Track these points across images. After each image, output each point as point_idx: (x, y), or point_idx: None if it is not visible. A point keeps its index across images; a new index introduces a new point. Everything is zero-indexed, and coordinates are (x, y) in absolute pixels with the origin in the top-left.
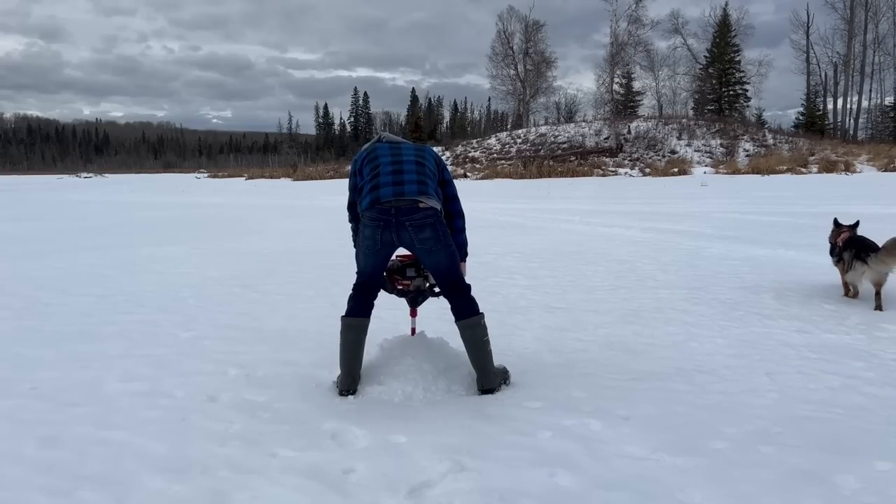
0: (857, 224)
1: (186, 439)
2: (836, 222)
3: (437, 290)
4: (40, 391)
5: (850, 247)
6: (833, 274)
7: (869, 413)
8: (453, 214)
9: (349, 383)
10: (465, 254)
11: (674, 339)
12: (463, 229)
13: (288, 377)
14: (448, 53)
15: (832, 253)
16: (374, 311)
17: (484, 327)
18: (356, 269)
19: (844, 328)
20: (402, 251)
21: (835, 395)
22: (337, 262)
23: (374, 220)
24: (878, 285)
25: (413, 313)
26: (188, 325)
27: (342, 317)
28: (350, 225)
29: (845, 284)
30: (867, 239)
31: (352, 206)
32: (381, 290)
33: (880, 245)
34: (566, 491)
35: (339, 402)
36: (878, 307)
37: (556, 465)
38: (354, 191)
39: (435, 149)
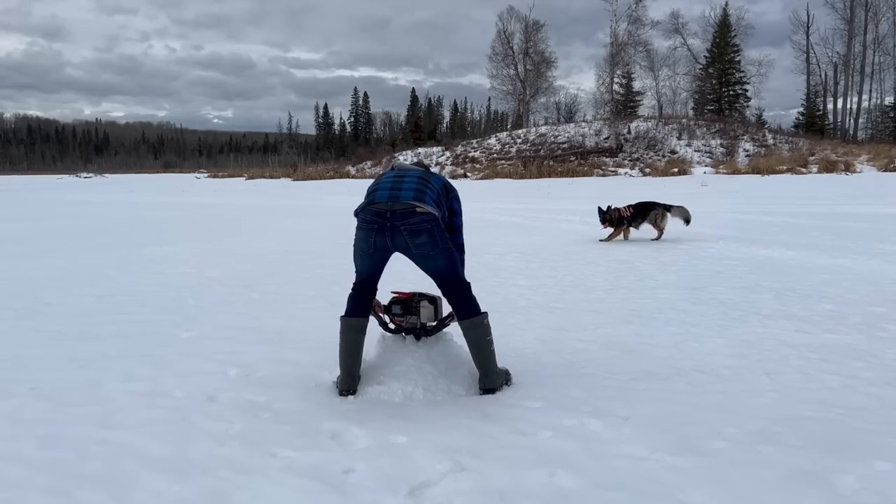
0: (609, 207)
1: (186, 439)
2: (599, 209)
3: (429, 326)
4: (40, 391)
5: (651, 209)
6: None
7: (869, 413)
8: (451, 227)
9: (349, 383)
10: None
11: (674, 339)
12: (460, 235)
13: (288, 377)
14: (451, 53)
15: (629, 222)
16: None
17: (487, 327)
18: (355, 269)
19: (844, 328)
20: (401, 256)
21: (835, 395)
22: (336, 262)
23: (367, 223)
24: (663, 229)
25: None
26: (188, 325)
27: (341, 317)
28: None
29: (625, 233)
30: (648, 202)
31: None
32: (379, 291)
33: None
34: (566, 491)
35: (339, 402)
36: (659, 238)
37: (556, 465)
38: None
39: (435, 149)
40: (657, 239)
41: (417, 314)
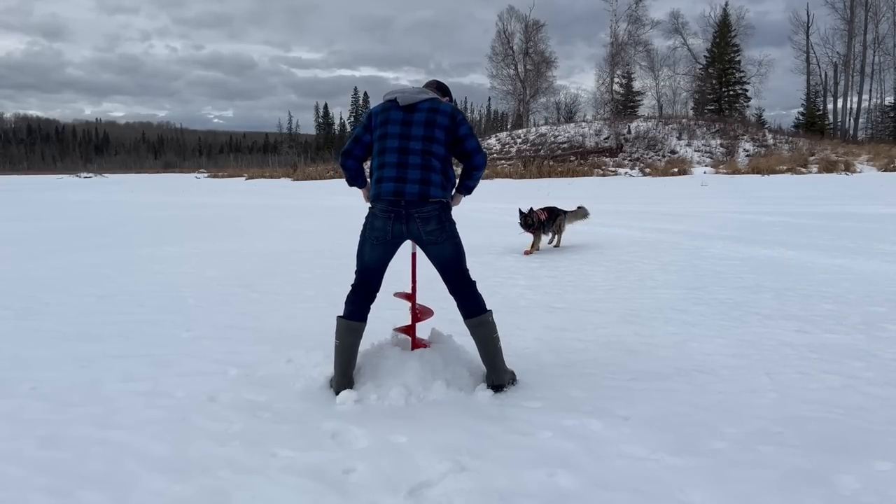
0: (531, 209)
1: (186, 439)
2: (520, 212)
3: None
4: (40, 391)
5: (558, 214)
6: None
7: (869, 413)
8: (473, 167)
9: (344, 384)
10: (468, 190)
11: (674, 339)
12: (477, 179)
13: (288, 377)
14: (453, 52)
15: (547, 225)
16: (374, 311)
17: (493, 324)
18: (356, 268)
19: (844, 328)
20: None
21: (835, 395)
22: (336, 262)
23: (385, 213)
24: (561, 231)
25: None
26: (188, 325)
27: (339, 318)
28: (345, 173)
29: (556, 239)
30: (556, 207)
31: (347, 154)
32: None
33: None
34: (566, 491)
35: (338, 402)
36: (558, 245)
37: (556, 465)
38: (357, 142)
39: None
40: (550, 246)
41: None
